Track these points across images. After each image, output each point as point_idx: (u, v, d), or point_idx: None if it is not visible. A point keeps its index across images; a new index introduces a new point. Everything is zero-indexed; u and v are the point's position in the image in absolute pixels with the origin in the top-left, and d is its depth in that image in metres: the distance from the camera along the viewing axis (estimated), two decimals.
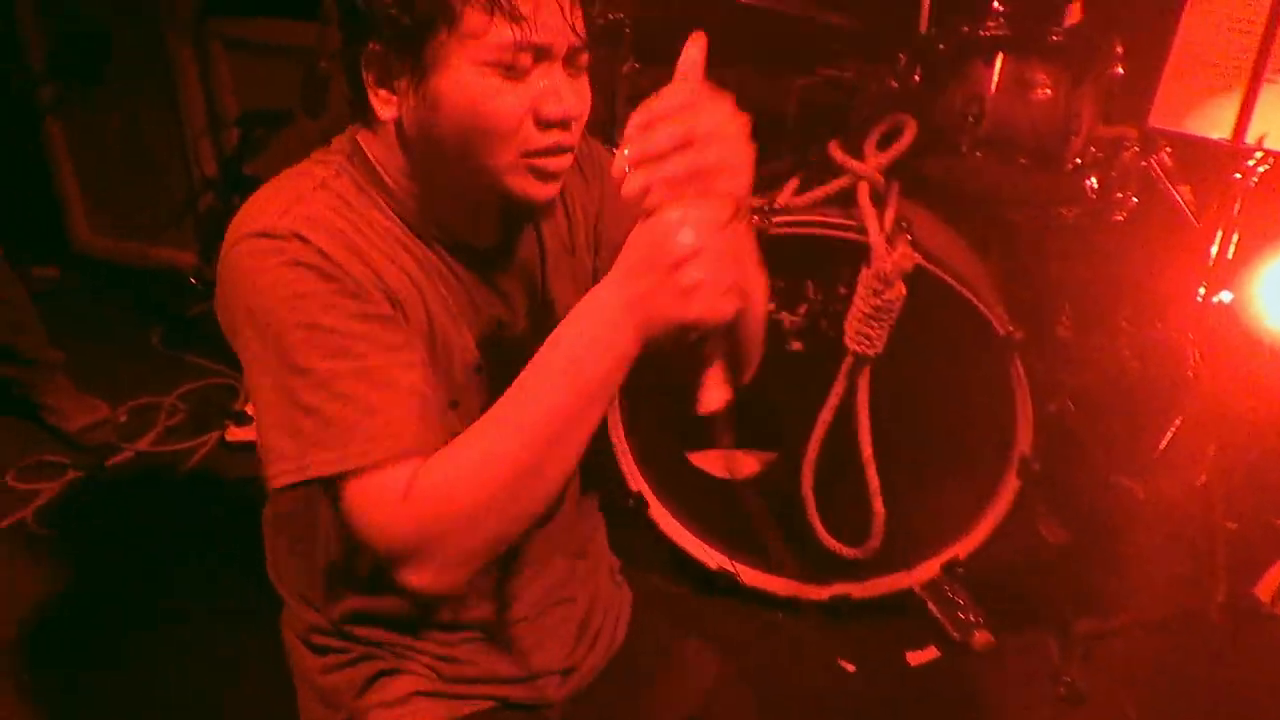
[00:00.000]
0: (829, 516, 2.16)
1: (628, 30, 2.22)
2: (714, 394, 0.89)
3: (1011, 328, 1.94)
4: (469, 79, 0.96)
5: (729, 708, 1.32)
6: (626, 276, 0.89)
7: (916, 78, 2.04)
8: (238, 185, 3.22)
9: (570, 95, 1.00)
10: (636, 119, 0.86)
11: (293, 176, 1.06)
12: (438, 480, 0.93)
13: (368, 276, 1.00)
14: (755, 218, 1.94)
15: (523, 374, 0.94)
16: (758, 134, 0.89)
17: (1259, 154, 1.91)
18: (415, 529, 0.93)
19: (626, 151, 0.86)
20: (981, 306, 1.93)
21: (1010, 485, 2.05)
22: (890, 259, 1.85)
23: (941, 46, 2.02)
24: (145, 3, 3.18)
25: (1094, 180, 2.05)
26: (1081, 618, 2.14)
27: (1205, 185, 2.11)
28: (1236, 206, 1.98)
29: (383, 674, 1.19)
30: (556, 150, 1.01)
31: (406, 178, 1.06)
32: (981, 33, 1.98)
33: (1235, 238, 2.02)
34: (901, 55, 2.02)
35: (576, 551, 1.32)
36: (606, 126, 2.63)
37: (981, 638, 2.13)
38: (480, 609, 1.20)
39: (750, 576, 2.22)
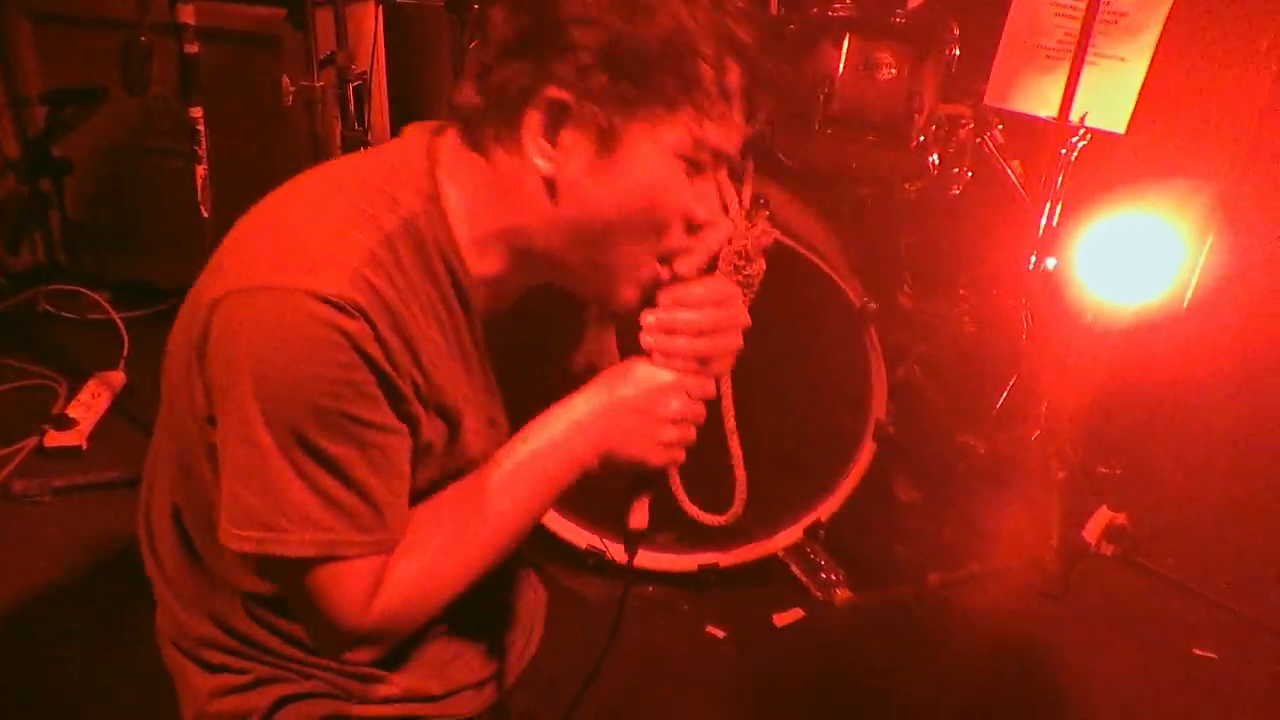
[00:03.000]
0: (695, 488, 2.18)
1: (475, 7, 2.16)
2: (641, 517, 1.07)
3: (866, 299, 2.02)
4: (657, 163, 0.90)
5: None
6: (612, 408, 0.99)
7: None
8: (44, 168, 2.97)
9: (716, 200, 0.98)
10: (669, 296, 0.98)
11: (354, 216, 0.90)
12: (411, 576, 0.95)
13: (409, 369, 0.92)
14: None
15: (491, 469, 0.99)
16: None
17: (1082, 130, 2.06)
18: (380, 621, 0.94)
19: (651, 319, 0.99)
20: (838, 280, 2.00)
21: (867, 449, 2.14)
22: (751, 235, 1.89)
23: (792, 27, 2.07)
24: None
25: (935, 156, 2.15)
26: (933, 570, 2.28)
27: (1032, 159, 2.26)
28: (1060, 179, 2.13)
29: (285, 700, 1.08)
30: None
31: (484, 246, 0.95)
32: (830, 13, 2.05)
33: (1059, 208, 2.17)
34: None
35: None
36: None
37: (843, 595, 2.23)
38: None
39: (619, 553, 2.25)
